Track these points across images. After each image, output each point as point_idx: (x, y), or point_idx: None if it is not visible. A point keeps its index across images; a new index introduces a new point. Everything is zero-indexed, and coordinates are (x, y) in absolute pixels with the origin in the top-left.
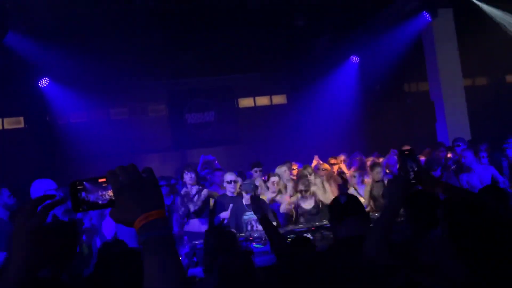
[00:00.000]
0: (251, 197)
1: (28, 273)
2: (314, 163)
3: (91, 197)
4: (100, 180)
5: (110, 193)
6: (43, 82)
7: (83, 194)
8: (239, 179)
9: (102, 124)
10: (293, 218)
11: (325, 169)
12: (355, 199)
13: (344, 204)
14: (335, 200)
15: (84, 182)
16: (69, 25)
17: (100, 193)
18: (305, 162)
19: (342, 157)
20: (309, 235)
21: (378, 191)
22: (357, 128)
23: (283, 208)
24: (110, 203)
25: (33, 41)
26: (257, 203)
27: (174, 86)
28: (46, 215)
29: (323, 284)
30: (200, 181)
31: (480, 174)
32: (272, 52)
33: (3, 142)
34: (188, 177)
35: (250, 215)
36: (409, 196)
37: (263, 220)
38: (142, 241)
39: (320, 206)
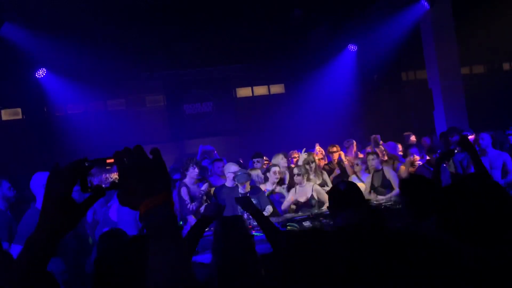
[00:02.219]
0: (236, 199)
1: (52, 239)
2: (316, 151)
3: (95, 181)
4: (108, 161)
5: (113, 175)
6: (40, 73)
7: (88, 178)
8: (238, 173)
9: (99, 115)
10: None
11: (319, 159)
12: (355, 186)
13: (344, 191)
14: (334, 187)
15: (90, 164)
16: (66, 16)
17: (104, 176)
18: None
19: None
20: (308, 223)
21: (378, 180)
22: (355, 116)
23: (284, 206)
24: (112, 185)
25: (30, 32)
26: (243, 202)
27: (172, 77)
28: (75, 182)
29: (319, 271)
30: (201, 172)
31: (492, 158)
32: (269, 42)
33: (1, 133)
34: (194, 171)
35: None
36: (406, 182)
37: (255, 215)
38: (146, 225)
39: (317, 197)
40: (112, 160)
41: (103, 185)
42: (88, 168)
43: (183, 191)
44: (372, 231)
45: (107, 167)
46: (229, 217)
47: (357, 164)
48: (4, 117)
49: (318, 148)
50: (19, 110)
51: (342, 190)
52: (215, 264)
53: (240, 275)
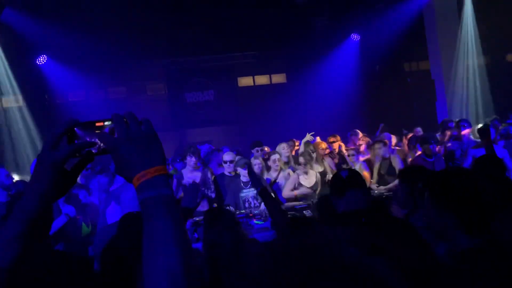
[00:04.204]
0: (248, 172)
1: (42, 203)
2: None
3: (90, 149)
4: (97, 124)
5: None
6: (41, 59)
7: (76, 142)
8: (237, 158)
9: (100, 103)
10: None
11: (323, 149)
12: (357, 173)
13: (346, 178)
14: (336, 174)
15: (78, 129)
16: (67, 2)
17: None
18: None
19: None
20: (309, 212)
21: (385, 168)
22: (357, 106)
23: (285, 195)
24: (102, 151)
25: (31, 18)
26: (254, 176)
27: (173, 65)
28: (71, 152)
29: (322, 257)
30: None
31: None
32: (271, 31)
33: (2, 121)
34: (191, 160)
35: (247, 192)
36: (406, 172)
37: (263, 192)
38: (140, 200)
39: (319, 185)
40: (102, 124)
41: (93, 151)
42: (74, 135)
43: (174, 182)
44: (374, 216)
45: (96, 131)
46: (215, 208)
47: (351, 155)
48: (4, 104)
49: (318, 140)
50: (20, 97)
51: (344, 177)
52: (204, 254)
53: (228, 265)
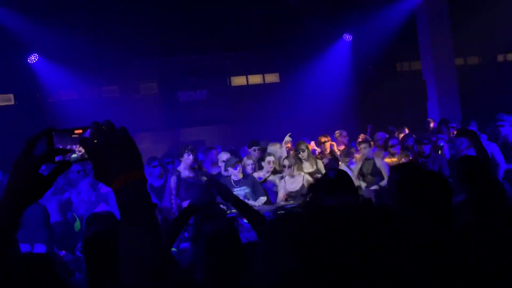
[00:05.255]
0: (217, 191)
1: (17, 207)
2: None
3: (67, 156)
4: (76, 131)
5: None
6: (32, 58)
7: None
8: (227, 158)
9: (93, 102)
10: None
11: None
12: (345, 174)
13: (334, 178)
14: (324, 175)
15: (56, 136)
16: (59, 0)
17: (75, 146)
18: (298, 141)
19: (337, 133)
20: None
21: (368, 168)
22: (350, 106)
23: (279, 199)
24: (81, 158)
25: (21, 16)
26: (223, 191)
27: (166, 64)
28: (44, 158)
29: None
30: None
31: None
32: (265, 31)
33: None
34: (188, 158)
35: (238, 191)
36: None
37: (236, 203)
38: (118, 204)
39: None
40: (80, 131)
41: (69, 157)
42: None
43: (173, 180)
44: (362, 211)
45: (73, 135)
46: (205, 204)
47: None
48: None
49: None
50: (12, 96)
51: (332, 177)
52: (194, 252)
53: (220, 263)
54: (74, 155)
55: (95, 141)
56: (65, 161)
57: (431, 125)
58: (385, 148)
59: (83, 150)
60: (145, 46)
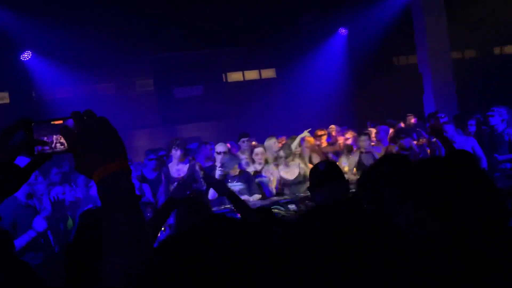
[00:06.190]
0: (207, 182)
1: None
2: (302, 135)
3: (46, 148)
4: (56, 122)
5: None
6: (25, 55)
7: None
8: (226, 160)
9: (88, 100)
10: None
11: (309, 142)
12: (335, 165)
13: (324, 170)
14: (314, 167)
15: (35, 127)
16: None
17: (55, 138)
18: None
19: (333, 127)
20: (293, 206)
21: (368, 161)
22: (346, 100)
23: (272, 188)
24: (60, 151)
25: (14, 13)
26: (216, 184)
27: (162, 61)
28: (16, 150)
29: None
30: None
31: (459, 145)
32: (260, 26)
33: None
34: (176, 153)
35: (232, 187)
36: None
37: (231, 197)
38: (99, 196)
39: (304, 176)
40: (61, 122)
41: (57, 149)
42: (32, 129)
43: (164, 171)
44: (352, 207)
45: (53, 126)
46: (186, 198)
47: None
48: None
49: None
50: (6, 94)
51: (321, 169)
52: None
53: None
54: (56, 147)
55: (75, 131)
56: (45, 153)
57: (412, 121)
58: (395, 141)
59: (64, 142)
60: (141, 42)
